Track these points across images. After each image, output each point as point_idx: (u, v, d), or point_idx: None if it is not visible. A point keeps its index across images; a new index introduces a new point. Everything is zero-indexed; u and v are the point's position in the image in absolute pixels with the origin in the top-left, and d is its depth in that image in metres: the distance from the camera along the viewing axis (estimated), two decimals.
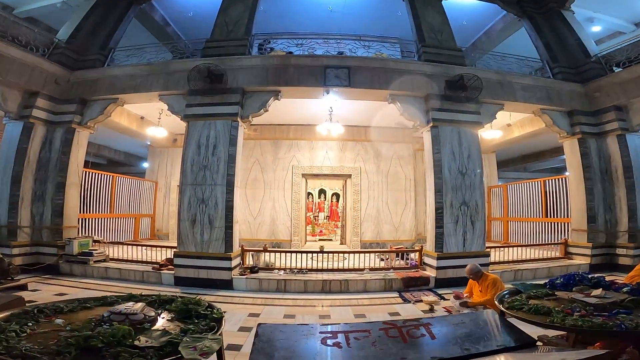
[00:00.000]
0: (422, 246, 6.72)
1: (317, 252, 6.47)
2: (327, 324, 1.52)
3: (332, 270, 6.22)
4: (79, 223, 7.37)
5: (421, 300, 5.03)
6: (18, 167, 6.37)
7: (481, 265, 4.46)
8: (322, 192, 11.99)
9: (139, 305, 1.51)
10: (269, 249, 6.93)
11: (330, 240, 11.10)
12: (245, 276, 5.87)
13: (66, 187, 6.68)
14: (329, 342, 1.22)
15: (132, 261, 6.64)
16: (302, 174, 9.48)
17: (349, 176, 9.56)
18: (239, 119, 6.28)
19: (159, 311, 1.69)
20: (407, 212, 9.45)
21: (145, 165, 11.96)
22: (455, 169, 6.26)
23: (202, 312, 1.63)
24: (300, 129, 9.61)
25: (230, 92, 6.31)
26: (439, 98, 6.48)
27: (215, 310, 1.67)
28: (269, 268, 6.34)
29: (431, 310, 4.72)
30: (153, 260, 6.48)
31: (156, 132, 8.57)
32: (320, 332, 1.31)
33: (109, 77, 6.97)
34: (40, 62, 6.55)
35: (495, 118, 6.92)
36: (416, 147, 9.65)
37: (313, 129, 9.15)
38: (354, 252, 6.81)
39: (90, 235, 7.24)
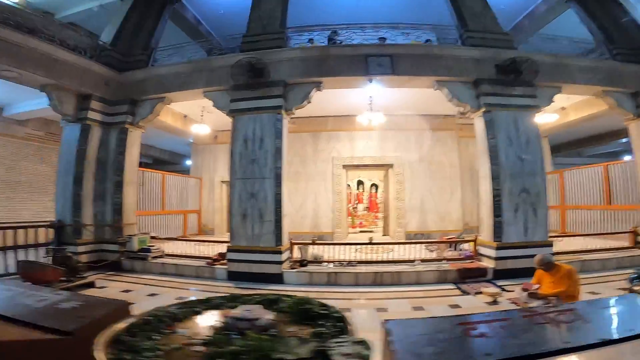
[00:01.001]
0: (476, 236, 6.43)
1: (366, 244, 6.39)
2: (460, 315, 1.41)
3: (382, 262, 6.11)
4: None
5: (481, 292, 4.81)
6: (79, 167, 6.73)
7: None
8: (360, 183, 11.84)
9: (256, 308, 1.44)
10: (305, 241, 6.90)
11: (371, 231, 10.96)
12: (295, 270, 5.89)
13: (124, 185, 7.00)
14: (472, 332, 1.13)
15: (186, 256, 6.84)
16: (342, 165, 9.39)
17: (391, 166, 9.34)
18: (282, 112, 6.27)
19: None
20: (453, 201, 9.11)
21: (189, 162, 12.40)
22: (513, 155, 5.91)
23: (319, 311, 1.52)
24: (339, 120, 9.49)
25: (272, 85, 6.29)
26: (489, 83, 6.17)
27: (332, 309, 1.55)
28: (317, 261, 6.30)
29: (494, 302, 4.52)
30: (206, 255, 6.64)
31: (200, 129, 8.80)
32: (459, 324, 1.21)
33: (155, 76, 7.17)
34: (90, 64, 6.80)
35: (553, 101, 6.48)
36: (460, 134, 9.25)
37: (352, 119, 8.98)
38: (404, 243, 6.65)
39: (147, 231, 7.57)
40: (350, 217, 11.26)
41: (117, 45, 7.47)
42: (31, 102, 8.11)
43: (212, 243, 7.07)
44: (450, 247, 6.58)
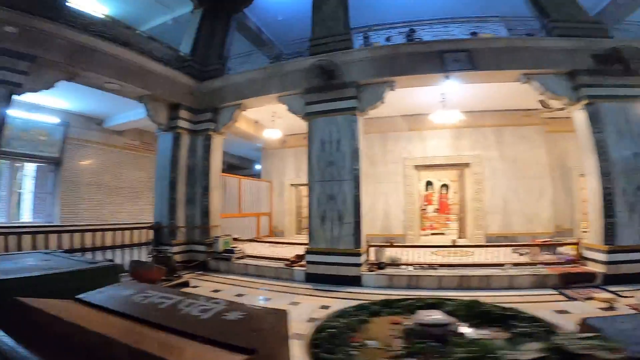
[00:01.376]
0: (579, 239, 5.80)
1: (450, 246, 6.10)
2: None
3: (467, 265, 5.80)
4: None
5: (592, 298, 4.37)
6: (173, 173, 7.38)
7: None
8: (428, 183, 11.40)
9: (435, 312, 1.42)
10: (382, 243, 6.78)
11: (443, 234, 10.47)
12: (373, 272, 5.81)
13: (210, 189, 7.54)
14: None
15: (265, 258, 7.09)
16: (414, 166, 9.11)
17: (467, 165, 8.85)
18: (357, 113, 6.27)
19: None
20: (542, 201, 8.32)
21: (258, 167, 12.98)
22: (626, 150, 5.23)
23: (502, 313, 1.44)
24: (408, 120, 9.24)
25: (345, 86, 6.31)
26: (589, 74, 5.59)
27: (517, 311, 1.48)
28: (395, 264, 6.17)
29: (610, 308, 4.06)
30: (284, 257, 6.82)
31: (271, 134, 9.16)
32: None
33: (232, 84, 7.56)
34: (176, 75, 7.32)
35: None
36: (548, 128, 8.44)
37: (422, 118, 8.73)
38: (493, 246, 6.24)
39: (229, 233, 8.05)
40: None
41: (195, 55, 7.97)
42: (127, 113, 9.10)
43: (290, 245, 7.28)
44: (544, 250, 6.02)
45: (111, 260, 5.71)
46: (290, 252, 7.03)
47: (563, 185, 8.30)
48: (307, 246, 6.33)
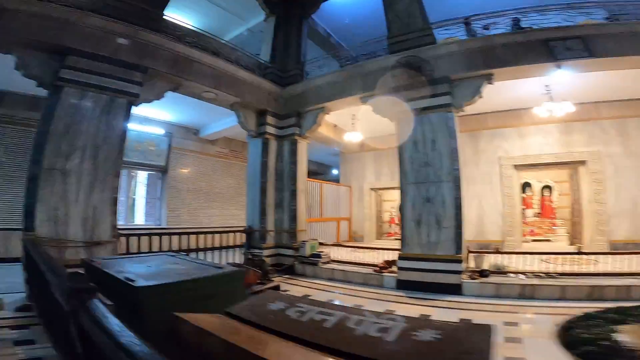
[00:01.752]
0: None
1: (573, 253, 5.29)
2: None
3: (596, 274, 5.02)
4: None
5: None
6: (263, 178, 7.69)
7: None
8: (526, 185, 10.18)
9: None
10: (481, 250, 6.15)
11: (548, 240, 9.21)
12: (476, 280, 5.32)
13: (297, 193, 7.70)
14: None
15: (351, 263, 6.96)
16: (513, 166, 8.20)
17: (582, 163, 7.67)
18: (452, 109, 5.85)
19: None
20: None
21: (334, 172, 13.02)
22: None
23: None
24: (502, 116, 8.41)
25: (435, 82, 5.94)
26: None
27: None
28: (501, 271, 5.59)
29: None
30: (371, 263, 6.65)
31: (352, 137, 9.06)
32: None
33: (313, 88, 7.62)
34: (262, 82, 7.58)
35: None
36: None
37: (519, 113, 7.92)
38: (625, 254, 5.25)
39: (315, 238, 8.13)
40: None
41: (274, 62, 8.19)
42: (217, 123, 9.82)
43: (372, 250, 7.04)
44: None
45: (240, 265, 6.02)
46: (373, 257, 6.82)
47: None
48: (398, 252, 6.08)
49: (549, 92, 6.41)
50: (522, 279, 5.19)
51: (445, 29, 6.59)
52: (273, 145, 7.98)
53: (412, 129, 6.11)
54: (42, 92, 5.50)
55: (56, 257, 3.97)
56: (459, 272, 5.38)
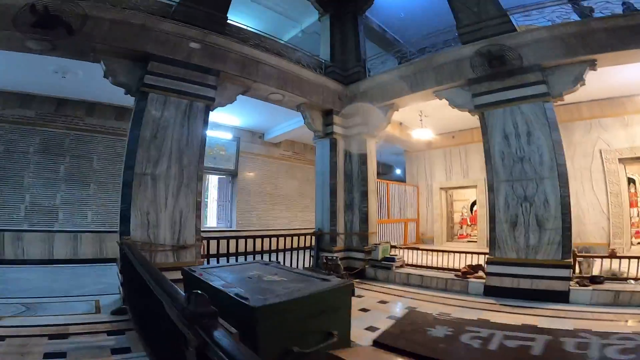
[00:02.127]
0: None
1: None
2: None
3: None
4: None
5: None
6: (333, 180, 7.53)
7: None
8: (630, 181, 8.80)
9: None
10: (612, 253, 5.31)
11: None
12: (588, 287, 4.69)
13: (368, 194, 7.42)
14: None
15: (429, 267, 6.56)
16: (618, 159, 7.12)
17: None
18: (550, 99, 5.23)
19: None
20: None
21: (398, 172, 12.53)
22: None
23: None
24: (599, 105, 7.43)
25: (524, 71, 5.39)
26: None
27: None
28: (617, 278, 4.92)
29: None
30: (450, 267, 6.24)
31: (421, 134, 8.59)
32: None
33: (378, 85, 7.30)
34: (326, 81, 7.41)
35: None
36: None
37: (621, 101, 7.02)
38: None
39: (387, 240, 7.77)
40: None
41: (334, 61, 8.02)
42: (281, 125, 9.90)
43: (446, 253, 6.52)
44: None
45: (314, 270, 5.80)
46: (449, 261, 6.38)
47: None
48: (486, 255, 5.59)
49: None
50: None
51: (525, 15, 5.90)
52: (341, 145, 7.80)
53: (501, 121, 5.58)
54: (127, 102, 5.85)
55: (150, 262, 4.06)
56: (567, 279, 4.80)
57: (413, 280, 6.24)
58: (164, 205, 4.96)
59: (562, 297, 4.73)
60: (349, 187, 7.69)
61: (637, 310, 4.19)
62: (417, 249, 7.31)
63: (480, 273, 5.73)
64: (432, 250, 7.12)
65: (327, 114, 7.71)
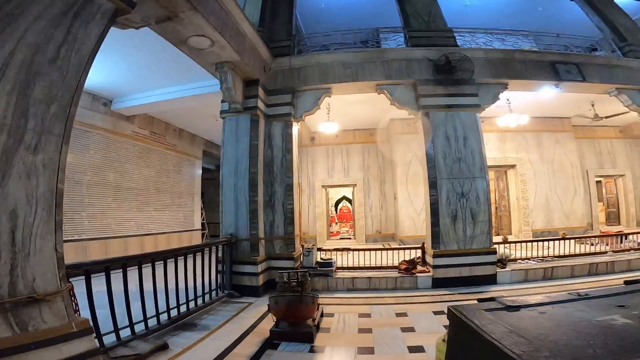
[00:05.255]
0: None
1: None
2: None
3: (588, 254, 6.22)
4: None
5: None
6: (253, 168, 5.73)
7: None
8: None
9: None
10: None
11: None
12: (507, 269, 5.80)
13: (293, 188, 6.18)
14: None
15: (363, 268, 6.19)
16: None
17: (513, 167, 9.46)
18: (478, 110, 6.15)
19: None
20: (576, 199, 9.42)
21: None
22: None
23: None
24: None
25: (464, 83, 6.11)
26: None
27: None
28: (511, 259, 6.23)
29: None
30: (387, 265, 6.19)
31: (327, 128, 8.21)
32: None
33: (317, 64, 6.41)
34: (258, 43, 5.75)
35: None
36: (577, 135, 9.69)
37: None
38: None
39: (313, 243, 6.77)
40: None
41: (262, 27, 6.52)
42: (141, 94, 6.94)
43: (373, 251, 6.44)
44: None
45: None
46: (370, 259, 6.34)
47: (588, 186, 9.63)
48: (433, 250, 5.79)
49: (509, 105, 7.64)
50: (541, 263, 6.03)
51: (460, 35, 6.84)
52: (262, 126, 6.19)
53: (443, 124, 6.03)
54: None
55: None
56: (494, 263, 5.71)
57: (359, 284, 5.66)
58: None
59: (492, 279, 5.61)
60: (269, 179, 6.18)
61: (539, 283, 5.52)
62: (338, 249, 6.82)
63: (424, 267, 5.97)
64: (354, 250, 6.71)
65: (250, 84, 5.95)
